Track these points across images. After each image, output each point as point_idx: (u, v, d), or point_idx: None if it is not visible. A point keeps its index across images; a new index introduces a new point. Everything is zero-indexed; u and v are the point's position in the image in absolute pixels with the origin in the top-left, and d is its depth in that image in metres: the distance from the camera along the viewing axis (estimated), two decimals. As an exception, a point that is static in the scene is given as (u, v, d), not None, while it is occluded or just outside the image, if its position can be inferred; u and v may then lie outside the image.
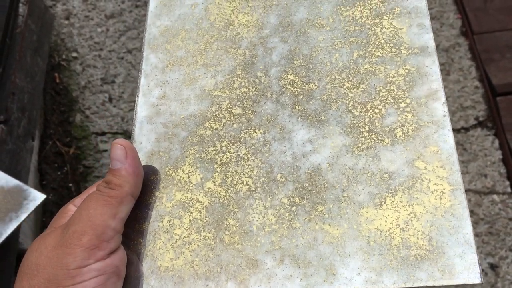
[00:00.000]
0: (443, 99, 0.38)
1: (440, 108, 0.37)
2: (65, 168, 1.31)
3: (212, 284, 0.34)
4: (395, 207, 0.35)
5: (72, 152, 1.32)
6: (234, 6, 0.46)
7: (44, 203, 1.26)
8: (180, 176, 0.39)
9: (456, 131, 1.45)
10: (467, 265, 0.32)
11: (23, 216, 0.79)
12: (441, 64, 1.45)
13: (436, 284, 0.32)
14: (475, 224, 1.30)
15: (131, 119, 1.37)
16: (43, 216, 1.24)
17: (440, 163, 0.35)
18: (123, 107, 1.39)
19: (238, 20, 0.45)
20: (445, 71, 1.44)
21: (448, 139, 0.36)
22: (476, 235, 1.29)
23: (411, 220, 0.34)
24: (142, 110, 0.43)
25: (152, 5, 0.48)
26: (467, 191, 1.33)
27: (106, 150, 1.34)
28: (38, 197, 0.81)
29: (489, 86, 1.41)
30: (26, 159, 0.97)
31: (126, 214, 0.36)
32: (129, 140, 0.42)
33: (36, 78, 1.12)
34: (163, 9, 0.47)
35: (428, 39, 0.40)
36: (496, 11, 1.48)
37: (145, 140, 0.42)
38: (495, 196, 1.33)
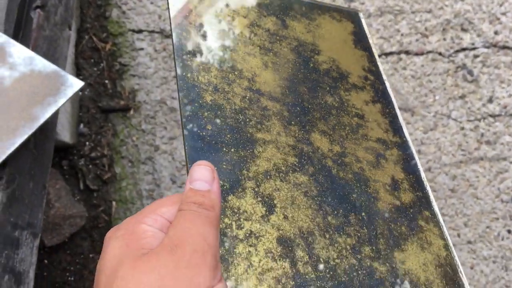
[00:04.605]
0: None
1: None
2: (101, 64, 1.29)
3: None
4: None
5: (109, 49, 1.30)
6: None
7: (80, 98, 1.26)
8: (245, 207, 0.39)
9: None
10: None
11: (61, 102, 0.78)
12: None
13: None
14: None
15: (168, 18, 1.32)
16: (80, 111, 1.25)
17: None
18: (160, 4, 1.33)
19: None
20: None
21: None
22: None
23: None
24: None
25: None
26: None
27: (142, 49, 1.31)
28: (76, 83, 0.79)
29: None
30: (63, 48, 0.94)
31: None
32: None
33: (72, -35, 1.07)
34: None
35: None
36: None
37: None
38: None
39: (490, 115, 1.30)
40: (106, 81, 1.28)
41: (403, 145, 0.48)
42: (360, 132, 0.46)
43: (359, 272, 0.38)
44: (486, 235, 1.21)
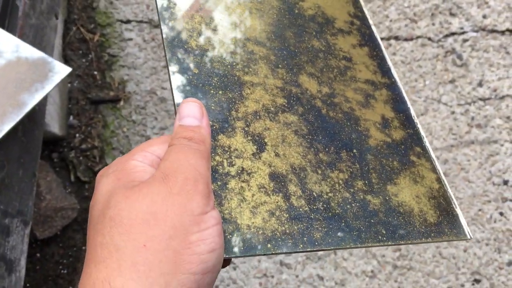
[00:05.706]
0: None
1: None
2: (90, 56, 1.27)
3: (295, 241, 0.36)
4: None
5: (97, 40, 1.28)
6: None
7: (69, 90, 1.25)
8: (236, 146, 0.40)
9: (500, 32, 1.36)
10: None
11: (49, 88, 0.77)
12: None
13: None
14: None
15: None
16: (69, 103, 1.24)
17: None
18: (148, -6, 1.33)
19: None
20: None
21: None
22: None
23: None
24: None
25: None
26: None
27: (131, 39, 1.30)
28: (63, 69, 0.78)
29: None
30: (50, 37, 0.93)
31: None
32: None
33: (58, -47, 1.05)
34: None
35: None
36: None
37: None
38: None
39: (480, 99, 1.30)
40: (95, 72, 1.27)
41: (392, 86, 0.49)
42: (348, 74, 0.47)
43: (353, 205, 0.39)
44: (479, 217, 1.21)
